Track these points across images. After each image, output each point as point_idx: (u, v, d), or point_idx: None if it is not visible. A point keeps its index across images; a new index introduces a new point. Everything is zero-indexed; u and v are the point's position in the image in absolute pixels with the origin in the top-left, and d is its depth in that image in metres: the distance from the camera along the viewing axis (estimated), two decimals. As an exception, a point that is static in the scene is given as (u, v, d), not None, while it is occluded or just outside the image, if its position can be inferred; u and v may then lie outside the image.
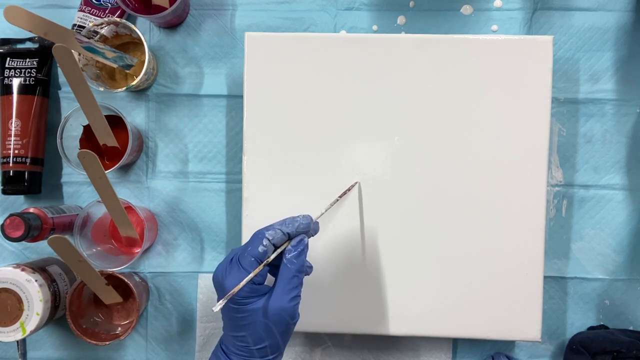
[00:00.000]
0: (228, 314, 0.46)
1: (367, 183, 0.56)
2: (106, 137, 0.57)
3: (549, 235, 0.61)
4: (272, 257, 0.45)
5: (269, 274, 0.48)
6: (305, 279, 0.47)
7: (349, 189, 0.55)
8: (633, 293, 0.61)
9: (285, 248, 0.46)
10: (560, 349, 0.62)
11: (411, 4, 0.63)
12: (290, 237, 0.46)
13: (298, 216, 0.46)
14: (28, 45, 0.62)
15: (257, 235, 0.46)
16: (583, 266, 0.61)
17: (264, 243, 0.44)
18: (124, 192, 0.63)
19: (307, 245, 0.46)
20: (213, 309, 0.42)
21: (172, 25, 0.63)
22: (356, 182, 0.56)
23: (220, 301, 0.42)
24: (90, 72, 0.58)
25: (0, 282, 0.53)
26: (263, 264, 0.44)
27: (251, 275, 0.43)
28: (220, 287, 0.45)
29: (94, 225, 0.60)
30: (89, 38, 0.56)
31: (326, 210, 0.52)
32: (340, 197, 0.54)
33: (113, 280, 0.56)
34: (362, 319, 0.56)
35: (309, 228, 0.46)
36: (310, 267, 0.48)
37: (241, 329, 0.45)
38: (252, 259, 0.44)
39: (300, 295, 0.46)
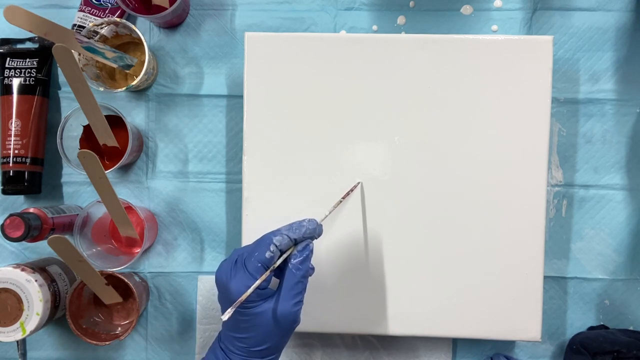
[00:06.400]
0: (232, 316, 0.46)
1: (367, 183, 0.56)
2: (106, 137, 0.57)
3: (549, 235, 0.61)
4: (278, 262, 0.45)
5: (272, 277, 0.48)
6: None
7: (351, 190, 0.55)
8: (633, 293, 0.61)
9: (290, 253, 0.45)
10: (560, 349, 0.62)
11: (411, 4, 0.62)
12: (296, 242, 0.46)
13: (304, 220, 0.46)
14: (28, 45, 0.62)
15: (264, 239, 0.45)
16: (583, 266, 0.61)
17: (271, 249, 0.44)
18: (124, 192, 0.63)
19: (312, 251, 0.46)
20: (222, 317, 0.42)
21: (172, 25, 0.63)
22: (359, 182, 0.56)
23: (229, 310, 0.42)
24: (90, 72, 0.58)
25: (0, 282, 0.53)
26: (269, 270, 0.44)
27: (258, 281, 0.43)
28: (224, 289, 0.45)
29: (94, 225, 0.60)
30: (89, 38, 0.56)
31: (330, 213, 0.52)
32: (343, 198, 0.54)
33: (113, 280, 0.56)
34: (362, 319, 0.56)
35: (315, 233, 0.46)
36: (313, 269, 0.48)
37: (244, 331, 0.45)
38: (259, 264, 0.44)
39: (303, 300, 0.46)
